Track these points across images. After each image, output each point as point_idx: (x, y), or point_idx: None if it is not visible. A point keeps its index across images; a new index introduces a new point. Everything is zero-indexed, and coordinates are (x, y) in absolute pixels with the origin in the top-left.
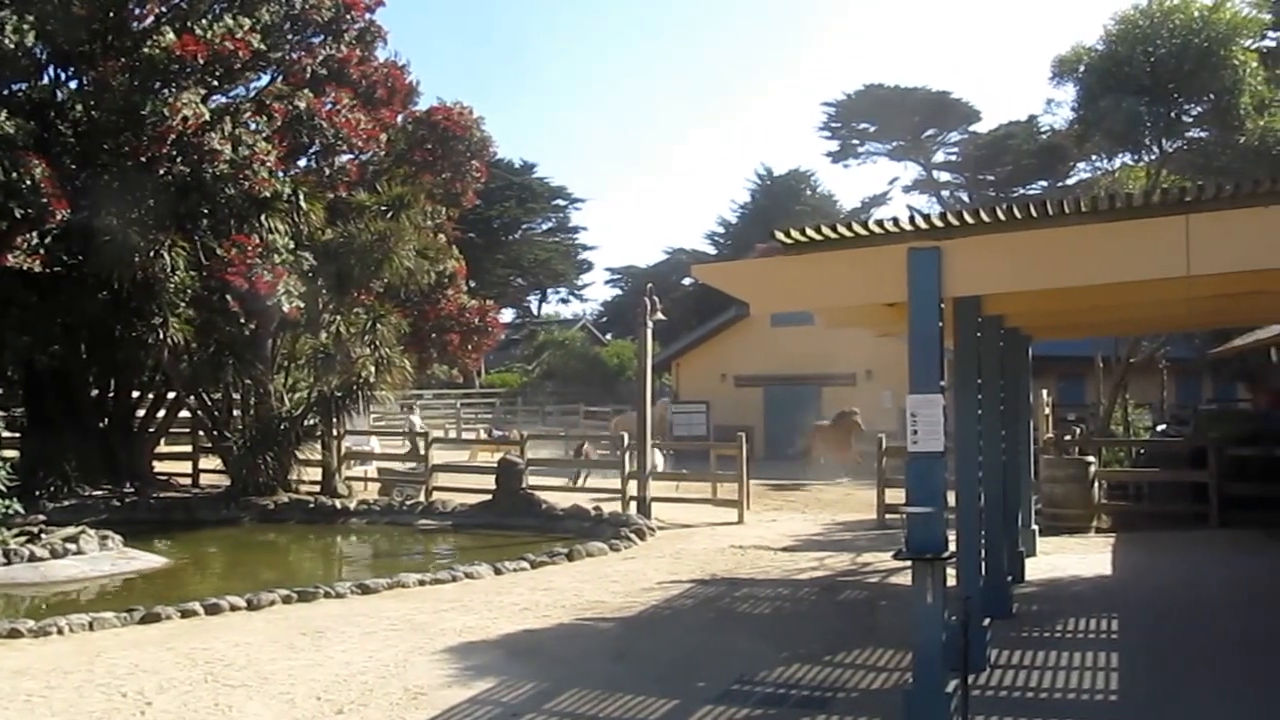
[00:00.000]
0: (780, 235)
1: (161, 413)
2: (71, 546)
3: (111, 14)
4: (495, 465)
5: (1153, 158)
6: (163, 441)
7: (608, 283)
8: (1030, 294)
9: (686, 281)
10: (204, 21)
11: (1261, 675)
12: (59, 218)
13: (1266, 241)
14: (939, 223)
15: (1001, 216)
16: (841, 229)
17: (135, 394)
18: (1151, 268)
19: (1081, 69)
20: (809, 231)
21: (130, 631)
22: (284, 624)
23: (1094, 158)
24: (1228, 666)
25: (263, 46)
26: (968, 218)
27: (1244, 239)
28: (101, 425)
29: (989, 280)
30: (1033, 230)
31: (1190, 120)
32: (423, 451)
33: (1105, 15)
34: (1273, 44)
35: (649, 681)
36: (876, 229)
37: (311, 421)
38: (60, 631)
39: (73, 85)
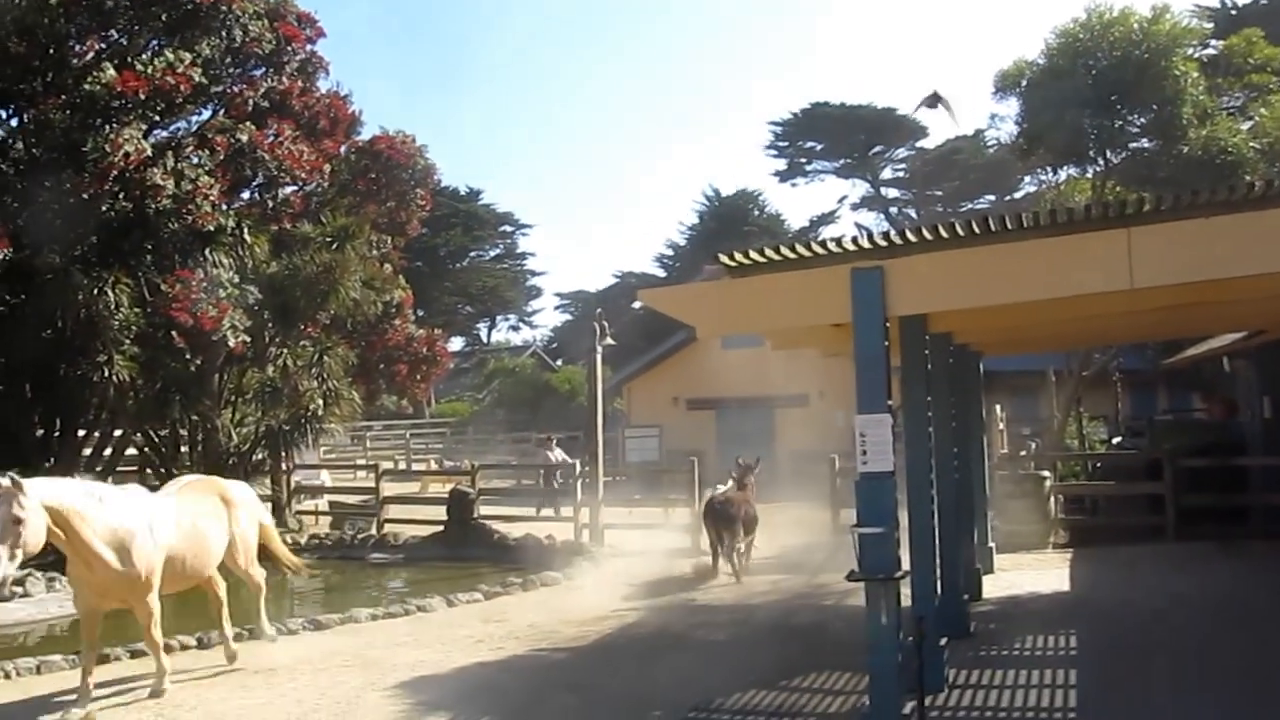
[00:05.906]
0: (725, 259)
1: (108, 451)
2: (18, 589)
3: (51, 51)
4: (446, 496)
5: (1097, 169)
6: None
7: (557, 308)
8: (976, 310)
9: (636, 305)
10: (144, 57)
11: (1219, 689)
12: (0, 257)
13: (1207, 253)
14: (881, 242)
15: (944, 234)
16: (785, 250)
17: (81, 433)
18: (1094, 281)
19: (1024, 83)
20: (753, 254)
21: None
22: (235, 662)
23: (1039, 171)
24: (1186, 681)
25: (204, 80)
26: (910, 236)
27: (1185, 251)
28: (47, 465)
29: (932, 298)
30: (974, 247)
31: (1134, 131)
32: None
33: (1046, 29)
34: (1214, 53)
35: (604, 712)
36: (820, 250)
37: (260, 456)
38: (7, 676)
39: (13, 123)
